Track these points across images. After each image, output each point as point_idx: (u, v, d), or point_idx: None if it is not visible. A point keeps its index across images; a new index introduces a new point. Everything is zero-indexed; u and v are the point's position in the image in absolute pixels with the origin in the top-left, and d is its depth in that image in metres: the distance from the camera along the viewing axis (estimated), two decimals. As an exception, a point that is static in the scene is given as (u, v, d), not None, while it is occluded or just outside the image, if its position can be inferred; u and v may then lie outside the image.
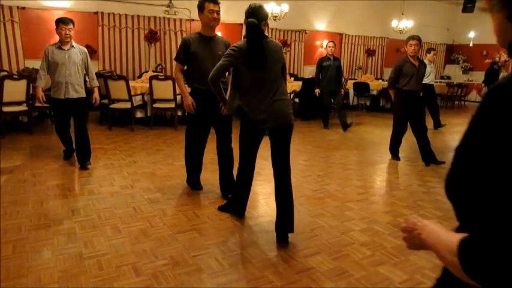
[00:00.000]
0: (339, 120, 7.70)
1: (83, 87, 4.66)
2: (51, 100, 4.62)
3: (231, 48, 2.97)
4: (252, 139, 3.12)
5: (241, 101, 3.00)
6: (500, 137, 0.61)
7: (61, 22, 4.42)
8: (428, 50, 8.17)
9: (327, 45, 7.81)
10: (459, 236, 0.67)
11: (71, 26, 4.44)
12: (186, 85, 3.82)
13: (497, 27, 0.75)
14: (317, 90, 7.64)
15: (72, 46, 4.53)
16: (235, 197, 3.42)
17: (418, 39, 5.07)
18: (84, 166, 4.61)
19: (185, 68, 3.74)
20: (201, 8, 3.53)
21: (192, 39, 3.60)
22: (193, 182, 4.01)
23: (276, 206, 3.00)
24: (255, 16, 2.91)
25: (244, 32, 3.14)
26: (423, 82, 7.52)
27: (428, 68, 7.71)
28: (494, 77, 13.44)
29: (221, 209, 3.48)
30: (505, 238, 0.59)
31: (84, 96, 4.69)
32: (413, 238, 0.85)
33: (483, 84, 13.55)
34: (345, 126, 7.66)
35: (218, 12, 3.54)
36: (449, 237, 0.71)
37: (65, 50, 4.47)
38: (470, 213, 0.69)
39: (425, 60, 7.47)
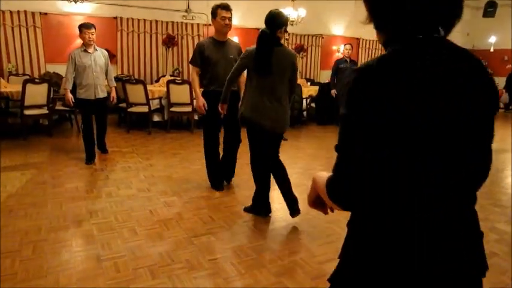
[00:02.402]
0: None
1: (105, 87, 5.08)
2: (79, 101, 4.92)
3: (244, 52, 3.21)
4: (262, 141, 3.25)
5: (246, 104, 3.16)
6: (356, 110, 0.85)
7: (84, 27, 4.76)
8: None
9: (344, 48, 7.78)
10: (328, 174, 0.96)
11: (93, 30, 4.77)
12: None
13: (376, 34, 0.99)
14: (333, 91, 7.61)
15: (96, 49, 4.88)
16: (258, 198, 3.45)
17: None
18: (104, 149, 5.39)
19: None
20: (213, 15, 3.75)
21: (207, 44, 3.81)
22: (216, 182, 4.11)
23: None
24: (270, 24, 3.06)
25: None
26: None
27: None
28: None
29: (247, 210, 3.52)
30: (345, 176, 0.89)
31: (107, 95, 5.10)
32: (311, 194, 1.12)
33: (504, 90, 13.28)
34: None
35: (230, 19, 3.74)
36: (323, 176, 1.01)
37: (90, 53, 4.82)
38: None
39: None
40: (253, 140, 3.25)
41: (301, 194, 4.11)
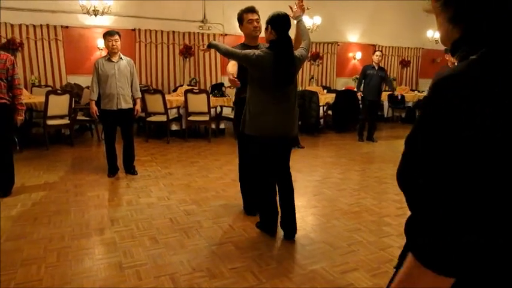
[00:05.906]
0: (368, 131, 7.67)
1: (131, 98, 4.83)
2: (102, 112, 4.73)
3: (259, 54, 2.88)
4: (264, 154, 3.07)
5: (251, 116, 2.97)
6: (443, 128, 0.66)
7: (108, 34, 4.63)
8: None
9: (374, 54, 7.59)
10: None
11: (117, 37, 4.61)
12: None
13: (441, 27, 0.77)
14: (359, 93, 7.51)
15: (121, 58, 4.71)
16: (263, 215, 3.30)
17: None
18: (132, 171, 4.99)
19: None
20: (240, 21, 3.51)
21: (240, 48, 3.42)
22: (250, 208, 3.73)
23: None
24: (283, 26, 2.85)
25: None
26: None
27: None
28: None
29: (257, 226, 3.37)
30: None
31: (132, 106, 4.84)
32: None
33: None
34: (369, 139, 7.70)
35: (258, 20, 3.47)
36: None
37: (114, 62, 4.65)
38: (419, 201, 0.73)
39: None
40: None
41: (320, 201, 4.10)
